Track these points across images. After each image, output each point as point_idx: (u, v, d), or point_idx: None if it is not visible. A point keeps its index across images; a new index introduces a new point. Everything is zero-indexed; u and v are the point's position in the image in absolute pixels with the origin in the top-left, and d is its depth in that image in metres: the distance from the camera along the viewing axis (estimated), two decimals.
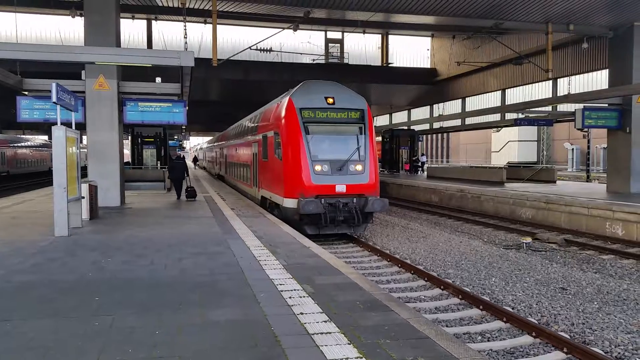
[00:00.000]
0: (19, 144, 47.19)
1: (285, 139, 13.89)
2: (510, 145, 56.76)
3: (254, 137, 18.85)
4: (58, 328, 5.16)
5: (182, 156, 22.27)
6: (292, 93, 14.60)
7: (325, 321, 5.37)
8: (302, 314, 5.61)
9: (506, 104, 29.78)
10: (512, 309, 8.64)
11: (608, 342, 7.24)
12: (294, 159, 13.51)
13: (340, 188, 13.44)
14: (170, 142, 43.07)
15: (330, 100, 14.15)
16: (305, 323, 5.30)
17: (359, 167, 13.76)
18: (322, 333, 5.02)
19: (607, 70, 21.92)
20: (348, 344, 4.74)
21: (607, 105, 20.88)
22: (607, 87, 21.76)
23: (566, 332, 7.64)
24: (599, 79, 23.64)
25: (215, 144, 42.93)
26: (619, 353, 6.92)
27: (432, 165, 52.67)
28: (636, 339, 7.39)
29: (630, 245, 14.69)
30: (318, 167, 13.41)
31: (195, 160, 66.79)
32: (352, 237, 14.78)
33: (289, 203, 13.64)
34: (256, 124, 18.72)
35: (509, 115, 27.93)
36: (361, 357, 4.44)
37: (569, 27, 20.46)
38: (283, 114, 14.19)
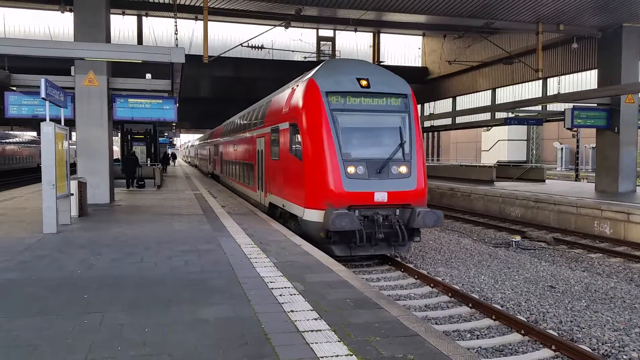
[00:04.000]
0: (7, 140, 46.69)
1: (307, 132, 10.93)
2: (500, 144, 57.06)
3: (258, 131, 16.06)
4: (46, 326, 5.12)
5: (133, 152, 24.27)
6: (314, 73, 11.62)
7: (315, 319, 5.37)
8: (292, 311, 5.60)
9: (496, 103, 29.96)
10: (502, 307, 8.70)
11: (595, 340, 7.31)
12: (319, 158, 10.57)
13: (380, 196, 10.55)
14: (160, 139, 42.89)
15: (364, 83, 11.21)
16: (295, 321, 5.30)
17: (403, 169, 10.88)
18: (312, 331, 5.02)
19: (596, 70, 22.11)
20: (338, 341, 4.75)
21: (596, 105, 21.09)
22: (596, 87, 21.97)
23: (554, 329, 7.71)
24: (588, 79, 23.85)
25: (209, 140, 39.26)
26: (606, 350, 7.00)
27: None
28: (623, 336, 7.47)
29: (618, 244, 14.85)
30: (351, 169, 10.51)
31: (173, 157, 60.88)
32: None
33: (312, 215, 10.69)
34: (261, 116, 15.95)
35: (499, 115, 28.10)
36: (351, 355, 4.45)
37: (559, 27, 20.62)
38: (303, 100, 11.30)
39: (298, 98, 11.63)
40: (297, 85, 12.16)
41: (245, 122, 19.68)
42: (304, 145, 11.00)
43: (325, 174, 10.47)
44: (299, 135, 11.28)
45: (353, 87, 11.15)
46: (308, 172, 10.79)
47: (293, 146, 11.71)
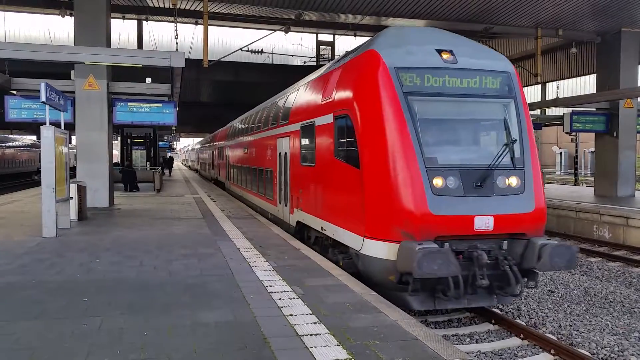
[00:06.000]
0: (7, 144, 46.70)
1: (369, 126, 7.60)
2: None
3: (280, 129, 12.88)
4: (45, 329, 5.12)
5: (129, 164, 25.65)
6: (375, 42, 8.20)
7: (314, 323, 5.37)
8: (291, 315, 5.61)
9: None
10: (501, 311, 8.70)
11: (595, 344, 7.31)
12: (389, 164, 7.24)
13: (483, 222, 7.17)
14: (160, 143, 42.95)
15: (447, 56, 7.94)
16: (294, 324, 5.30)
17: (513, 181, 7.52)
18: (311, 334, 5.02)
19: (595, 75, 22.18)
20: (337, 345, 4.75)
21: (595, 109, 21.14)
22: (595, 91, 22.02)
23: (554, 334, 7.71)
24: (587, 84, 23.92)
25: (213, 143, 35.08)
26: (605, 355, 7.00)
27: None
28: (622, 340, 7.47)
29: (617, 248, 14.86)
30: (438, 181, 7.17)
31: (169, 162, 56.06)
32: None
33: (376, 249, 7.37)
34: (284, 112, 12.72)
35: None
36: (350, 359, 4.45)
37: (558, 32, 20.69)
38: (361, 80, 7.97)
39: (351, 79, 8.30)
40: (347, 62, 8.86)
41: (259, 120, 16.51)
42: (362, 146, 7.66)
43: (399, 188, 7.09)
44: (351, 132, 7.97)
45: (434, 62, 7.82)
46: (371, 185, 7.44)
47: (341, 147, 8.45)
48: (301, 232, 11.42)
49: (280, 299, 6.23)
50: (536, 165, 7.78)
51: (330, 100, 9.05)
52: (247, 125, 19.44)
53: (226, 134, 26.95)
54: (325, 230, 9.35)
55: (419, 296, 7.31)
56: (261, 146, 15.65)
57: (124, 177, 23.80)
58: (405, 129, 7.32)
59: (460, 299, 7.21)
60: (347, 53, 9.68)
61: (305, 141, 10.64)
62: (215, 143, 33.13)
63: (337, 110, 8.62)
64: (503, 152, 7.57)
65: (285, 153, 12.27)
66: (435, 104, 7.75)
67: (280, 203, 13.11)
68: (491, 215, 7.18)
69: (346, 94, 8.34)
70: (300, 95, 11.56)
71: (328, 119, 9.07)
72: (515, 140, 7.75)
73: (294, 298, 6.30)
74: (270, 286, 6.85)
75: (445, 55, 7.94)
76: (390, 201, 7.19)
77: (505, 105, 8.04)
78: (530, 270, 7.39)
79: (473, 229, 7.13)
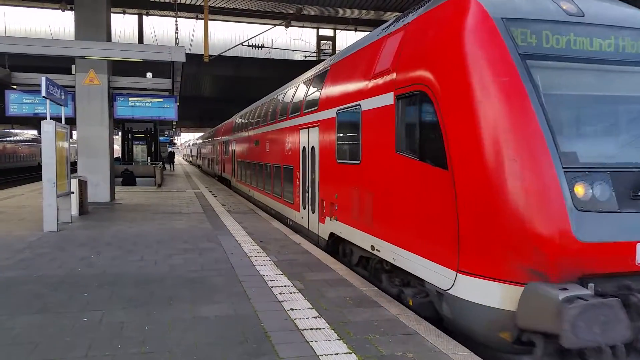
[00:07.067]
0: (8, 139, 46.74)
1: (466, 105, 5.14)
2: None
3: (304, 118, 10.80)
4: (46, 323, 5.13)
5: (126, 168, 25.69)
6: None
7: (315, 317, 5.38)
8: (292, 309, 5.62)
9: None
10: None
11: None
12: (502, 163, 4.81)
13: None
14: (160, 137, 42.97)
15: (568, 5, 5.60)
16: (295, 319, 5.31)
17: None
18: (312, 329, 5.03)
19: None
20: (338, 339, 4.76)
21: None
22: None
23: None
24: None
25: (217, 137, 32.53)
26: None
27: None
28: None
29: None
30: (582, 190, 4.77)
31: (171, 157, 54.42)
32: None
33: (483, 293, 4.88)
34: (311, 94, 10.59)
35: None
36: (351, 353, 4.46)
37: None
38: (448, 38, 5.54)
39: (429, 40, 5.84)
40: (415, 20, 6.46)
41: (275, 109, 14.32)
42: (454, 135, 5.17)
43: (524, 200, 4.65)
44: (431, 116, 5.60)
45: (554, 13, 5.47)
46: (470, 194, 4.95)
47: (411, 138, 6.04)
48: (335, 246, 9.13)
49: (280, 294, 6.24)
50: None
51: (388, 74, 6.64)
52: (259, 116, 16.93)
53: (232, 126, 24.41)
54: (378, 251, 6.88)
55: None
56: (277, 139, 13.52)
57: (124, 180, 24.67)
58: (529, 110, 4.82)
59: None
60: (406, 14, 6.99)
61: (343, 131, 8.49)
62: (219, 137, 30.23)
63: (403, 86, 6.17)
64: None
65: (312, 147, 10.13)
66: (569, 74, 5.29)
67: (304, 208, 10.89)
68: None
69: (421, 62, 5.85)
70: (334, 74, 9.32)
71: (384, 99, 6.71)
72: None
73: (294, 292, 6.31)
74: (271, 281, 6.86)
75: (565, 5, 5.56)
76: (509, 221, 4.65)
77: None
78: None
79: (635, 263, 4.68)
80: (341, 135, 8.58)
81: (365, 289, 6.55)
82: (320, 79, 10.15)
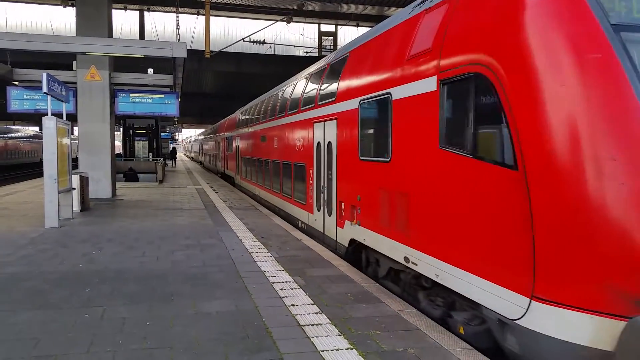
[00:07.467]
0: (9, 135, 46.80)
1: (546, 88, 4.08)
2: None
3: (321, 110, 9.73)
4: (48, 319, 5.15)
5: (131, 167, 26.04)
6: None
7: (316, 313, 5.39)
8: (293, 305, 5.62)
9: None
10: None
11: None
12: (598, 162, 3.78)
13: None
14: (162, 133, 42.98)
15: None
16: (296, 315, 5.32)
17: None
18: (313, 324, 5.03)
19: None
20: (339, 335, 4.76)
21: None
22: None
23: None
24: None
25: (220, 133, 31.41)
26: None
27: None
28: None
29: None
30: None
31: (173, 153, 54.77)
32: None
33: (569, 326, 3.86)
34: (327, 84, 9.64)
35: None
36: (352, 349, 4.46)
37: None
38: (524, 8, 4.40)
39: (487, 10, 4.86)
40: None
41: (284, 102, 13.37)
42: (527, 127, 4.20)
43: (627, 210, 3.72)
44: (491, 103, 4.60)
45: None
46: (551, 202, 4.01)
47: (462, 130, 5.03)
48: (356, 253, 8.17)
49: (281, 289, 6.25)
50: None
51: (428, 56, 5.64)
52: (266, 109, 15.88)
53: (237, 121, 23.40)
54: (414, 264, 5.90)
55: None
56: (287, 134, 12.59)
57: (128, 177, 24.87)
58: (630, 94, 3.88)
59: None
60: None
61: (368, 124, 7.57)
62: (223, 132, 29.26)
63: (451, 69, 5.16)
64: None
65: (329, 143, 9.23)
66: None
67: (318, 210, 9.95)
68: None
69: (479, 38, 4.81)
70: (355, 61, 8.35)
71: (423, 86, 5.72)
72: None
73: (295, 288, 6.31)
74: (272, 276, 6.87)
75: None
76: (608, 236, 3.72)
77: None
78: None
79: None
80: (365, 128, 7.63)
81: (367, 284, 6.55)
82: (338, 67, 9.12)
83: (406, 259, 6.09)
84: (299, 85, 12.04)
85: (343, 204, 8.44)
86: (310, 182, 10.41)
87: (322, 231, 9.72)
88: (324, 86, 9.85)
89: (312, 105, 10.40)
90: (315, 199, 10.08)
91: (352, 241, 8.10)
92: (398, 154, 6.35)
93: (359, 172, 7.69)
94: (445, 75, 5.26)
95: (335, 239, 8.94)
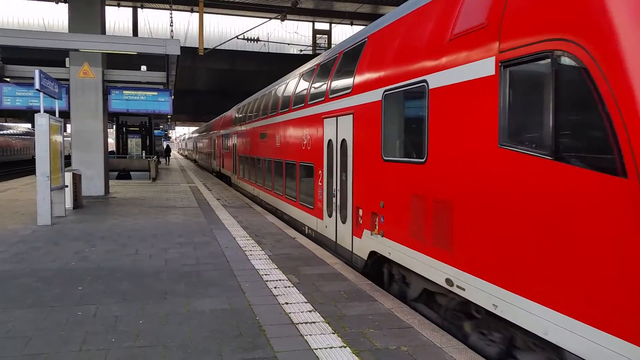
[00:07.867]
0: (1, 132, 46.45)
1: None
2: None
3: (334, 104, 8.60)
4: (40, 317, 5.12)
5: (124, 168, 26.19)
6: None
7: (310, 311, 5.39)
8: (287, 303, 5.62)
9: None
10: None
11: None
12: None
13: None
14: (155, 131, 42.82)
15: None
16: (290, 313, 5.32)
17: None
18: (306, 323, 5.04)
19: None
20: (332, 333, 4.77)
21: None
22: None
23: None
24: None
25: (215, 130, 30.33)
26: None
27: None
28: None
29: None
30: None
31: (167, 151, 54.62)
32: None
33: None
34: (342, 74, 8.56)
35: None
36: (345, 347, 4.47)
37: None
38: None
39: None
40: None
41: (287, 96, 12.30)
42: (635, 120, 3.09)
43: None
44: (584, 90, 3.46)
45: None
46: None
47: (534, 126, 4.01)
48: (377, 267, 7.21)
49: (275, 288, 6.24)
50: None
51: (481, 33, 4.62)
52: (267, 104, 14.70)
53: (233, 117, 22.06)
54: (462, 289, 4.84)
55: None
56: (292, 131, 11.51)
57: (120, 176, 25.14)
58: None
59: None
60: None
61: (394, 119, 6.49)
62: (219, 130, 28.04)
63: (516, 47, 4.11)
64: None
65: (342, 140, 8.20)
66: None
67: (329, 216, 8.91)
68: None
69: (560, 5, 3.73)
70: (375, 47, 7.26)
71: (475, 69, 4.66)
72: None
73: (289, 286, 6.31)
74: (266, 275, 6.86)
75: None
76: None
77: None
78: None
79: None
80: (391, 124, 6.53)
81: (360, 283, 6.56)
82: (354, 55, 8.04)
83: (449, 282, 5.03)
84: (305, 78, 10.94)
85: (361, 210, 7.38)
86: (320, 184, 9.37)
87: (334, 240, 8.58)
88: (335, 77, 8.79)
89: (321, 99, 9.33)
90: (326, 204, 9.02)
91: (373, 253, 7.08)
92: (437, 154, 5.30)
93: (382, 175, 6.65)
94: (508, 56, 4.19)
95: (350, 249, 7.81)
